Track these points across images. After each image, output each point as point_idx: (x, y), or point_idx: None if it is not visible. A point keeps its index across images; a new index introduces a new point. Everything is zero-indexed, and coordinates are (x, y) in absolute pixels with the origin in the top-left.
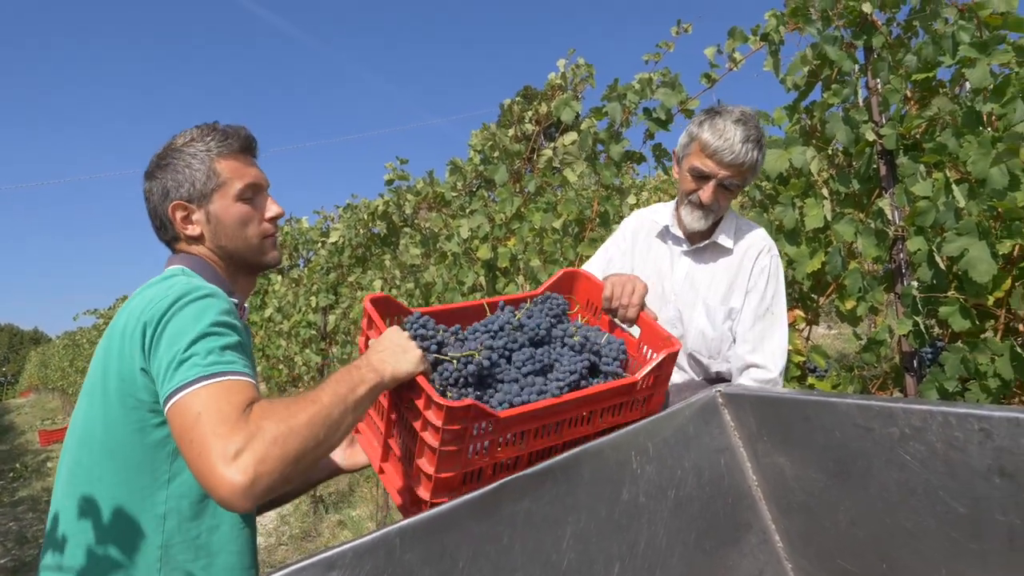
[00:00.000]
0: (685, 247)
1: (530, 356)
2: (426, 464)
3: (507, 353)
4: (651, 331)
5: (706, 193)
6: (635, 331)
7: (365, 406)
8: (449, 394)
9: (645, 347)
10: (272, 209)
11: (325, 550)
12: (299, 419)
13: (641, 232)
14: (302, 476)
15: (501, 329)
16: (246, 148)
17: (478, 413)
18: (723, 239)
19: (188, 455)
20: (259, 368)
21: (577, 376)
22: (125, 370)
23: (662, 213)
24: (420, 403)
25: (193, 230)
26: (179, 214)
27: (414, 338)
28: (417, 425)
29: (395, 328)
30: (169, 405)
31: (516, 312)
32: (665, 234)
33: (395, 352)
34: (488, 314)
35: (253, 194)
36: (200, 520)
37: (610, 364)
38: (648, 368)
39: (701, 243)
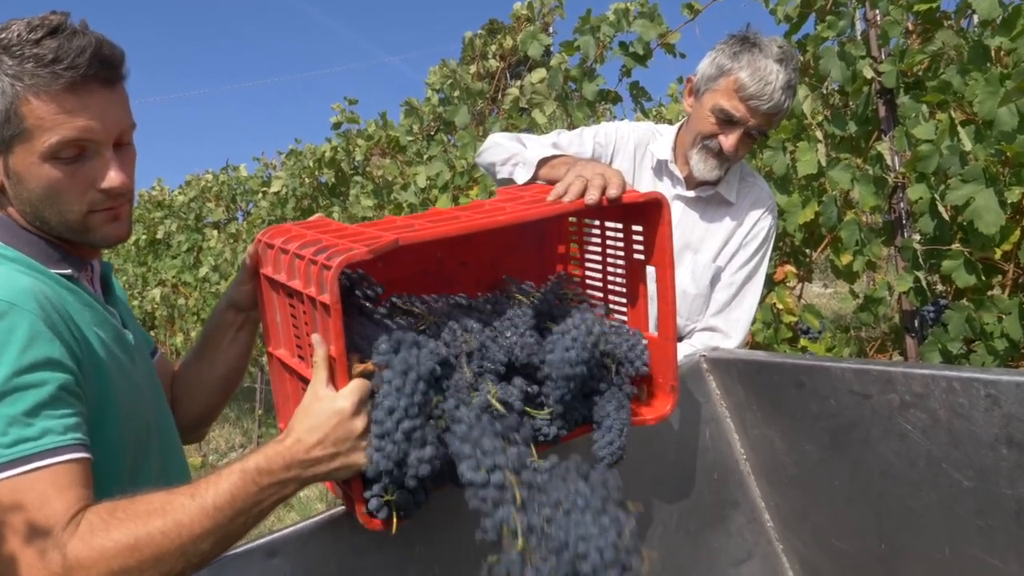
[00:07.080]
0: (681, 190)
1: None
2: None
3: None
4: (665, 363)
5: (729, 142)
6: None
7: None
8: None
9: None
10: (110, 179)
11: (267, 535)
12: (145, 552)
13: (638, 153)
14: None
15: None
16: (86, 80)
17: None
18: (726, 190)
19: None
20: (193, 334)
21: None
22: None
23: (660, 144)
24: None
25: None
26: None
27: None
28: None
29: (357, 387)
30: None
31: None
32: (661, 169)
33: (339, 454)
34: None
35: (77, 153)
36: None
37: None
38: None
39: (702, 191)
